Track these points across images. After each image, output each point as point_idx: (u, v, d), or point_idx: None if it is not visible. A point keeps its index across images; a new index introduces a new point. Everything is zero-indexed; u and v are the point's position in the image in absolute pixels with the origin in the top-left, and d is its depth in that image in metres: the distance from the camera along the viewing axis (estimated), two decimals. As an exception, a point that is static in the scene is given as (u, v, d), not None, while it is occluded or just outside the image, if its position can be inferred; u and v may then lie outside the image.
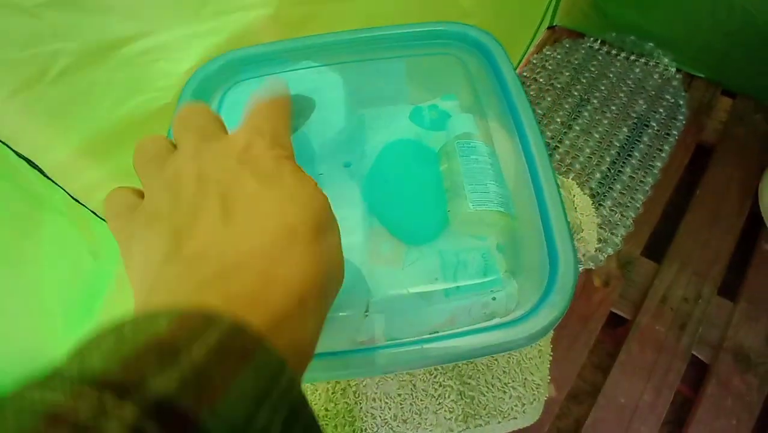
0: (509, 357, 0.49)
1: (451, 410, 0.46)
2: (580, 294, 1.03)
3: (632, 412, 0.92)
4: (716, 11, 1.20)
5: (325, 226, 0.24)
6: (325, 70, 0.48)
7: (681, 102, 1.29)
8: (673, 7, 1.27)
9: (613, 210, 1.12)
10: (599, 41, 1.43)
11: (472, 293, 0.36)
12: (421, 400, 0.47)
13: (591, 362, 1.00)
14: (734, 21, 1.19)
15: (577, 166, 1.18)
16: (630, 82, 1.33)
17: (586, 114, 1.28)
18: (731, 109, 1.31)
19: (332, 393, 0.46)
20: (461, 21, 0.50)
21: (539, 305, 0.33)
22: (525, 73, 1.38)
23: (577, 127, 1.25)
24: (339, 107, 0.45)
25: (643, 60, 1.37)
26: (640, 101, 1.29)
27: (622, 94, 1.31)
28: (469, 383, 0.47)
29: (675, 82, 1.33)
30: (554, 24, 1.48)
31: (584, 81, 1.34)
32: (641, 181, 1.16)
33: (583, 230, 0.60)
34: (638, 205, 1.13)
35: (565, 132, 1.25)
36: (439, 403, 0.47)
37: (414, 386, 0.47)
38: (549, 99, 1.31)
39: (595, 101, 1.30)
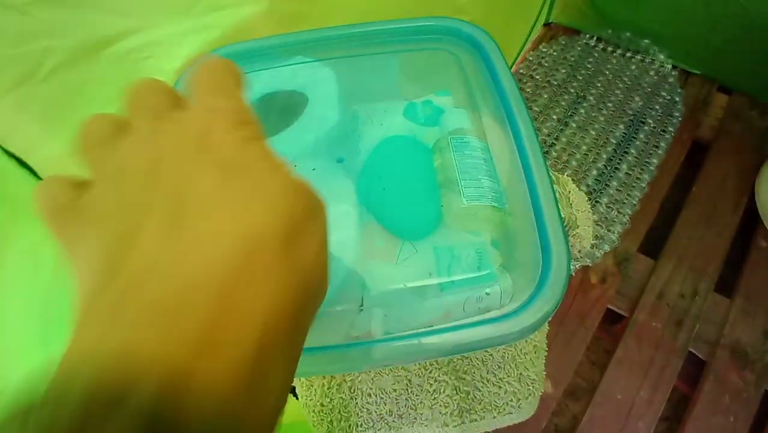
0: (504, 352, 0.49)
1: (446, 405, 0.46)
2: (577, 291, 1.04)
3: (629, 408, 0.92)
4: (712, 8, 1.20)
5: (301, 226, 0.20)
6: (318, 65, 0.48)
7: (677, 99, 1.29)
8: (668, 4, 1.27)
9: (609, 207, 1.12)
10: (595, 38, 1.43)
11: (467, 287, 0.36)
12: (417, 395, 0.47)
13: (588, 358, 1.01)
14: (730, 17, 1.19)
15: (574, 163, 1.19)
16: (626, 79, 1.33)
17: (582, 111, 1.28)
18: (727, 105, 1.32)
19: (327, 388, 0.46)
20: (456, 17, 0.50)
21: (532, 300, 0.33)
22: (521, 70, 1.38)
23: (574, 125, 1.25)
24: (332, 103, 0.45)
25: (639, 57, 1.38)
26: (636, 98, 1.30)
27: (618, 91, 1.31)
28: (464, 378, 0.47)
29: (671, 79, 1.33)
30: (550, 21, 1.48)
31: (580, 78, 1.34)
32: (637, 178, 1.17)
33: (578, 226, 0.60)
34: (635, 202, 1.13)
35: (561, 129, 1.25)
36: (435, 398, 0.47)
37: (409, 381, 0.47)
38: (545, 96, 1.31)
39: (591, 98, 1.30)
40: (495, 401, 0.48)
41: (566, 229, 0.60)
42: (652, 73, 1.35)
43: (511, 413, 0.48)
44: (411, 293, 0.37)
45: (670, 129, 1.24)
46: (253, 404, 0.16)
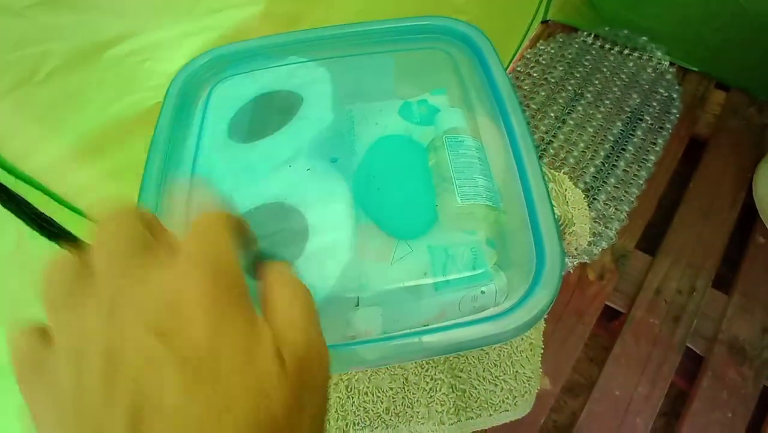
0: (500, 350, 0.49)
1: (442, 403, 0.47)
2: (574, 288, 1.04)
3: (627, 404, 0.93)
4: (709, 4, 1.20)
5: (284, 422, 0.17)
6: (313, 65, 0.48)
7: (674, 95, 1.29)
8: (665, 1, 1.27)
9: (607, 204, 1.12)
10: (592, 35, 1.43)
11: (462, 286, 0.37)
12: (413, 393, 0.47)
13: (586, 355, 1.01)
14: (727, 14, 1.19)
15: (572, 160, 1.19)
16: (623, 76, 1.34)
17: (580, 108, 1.28)
18: (725, 102, 1.32)
19: (324, 388, 0.46)
20: (453, 17, 0.50)
21: (526, 298, 0.34)
22: (519, 68, 1.38)
23: (571, 122, 1.26)
24: (327, 103, 0.45)
25: (636, 54, 1.38)
26: (634, 95, 1.30)
27: (615, 89, 1.31)
28: (460, 376, 0.48)
29: (668, 76, 1.34)
30: (548, 18, 1.48)
31: (578, 75, 1.35)
32: (635, 175, 1.17)
33: (575, 223, 0.60)
34: (632, 199, 1.13)
35: (559, 126, 1.25)
36: (431, 396, 0.47)
37: (406, 379, 0.47)
38: (543, 94, 1.31)
39: (588, 95, 1.30)
40: (491, 399, 0.48)
41: (563, 226, 0.60)
42: (649, 70, 1.35)
43: (507, 411, 0.48)
44: (406, 292, 0.37)
45: (668, 126, 1.24)
46: None
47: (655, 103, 1.29)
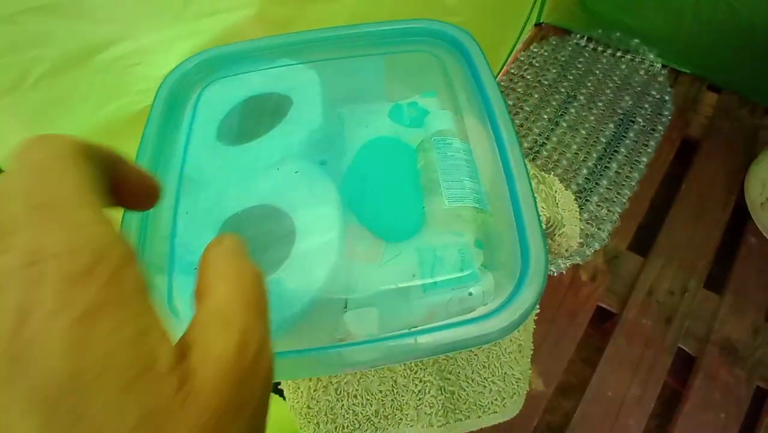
0: (489, 352, 0.49)
1: (431, 405, 0.47)
2: (567, 289, 1.04)
3: (620, 405, 0.93)
4: (700, 7, 1.21)
5: None
6: (303, 68, 0.49)
7: (667, 98, 1.30)
8: (657, 4, 1.28)
9: (599, 205, 1.13)
10: (585, 38, 1.44)
11: (449, 288, 0.37)
12: (402, 396, 0.47)
13: (579, 356, 1.01)
14: (719, 16, 1.20)
15: (564, 162, 1.19)
16: (616, 79, 1.34)
17: (572, 111, 1.28)
18: (717, 104, 1.33)
19: (314, 391, 0.46)
20: (446, 20, 0.51)
21: (510, 299, 0.34)
22: (512, 70, 1.39)
23: (564, 124, 1.26)
24: (316, 105, 0.46)
25: (629, 56, 1.39)
26: (626, 97, 1.30)
27: (608, 91, 1.32)
28: (449, 379, 0.48)
29: (661, 78, 1.34)
30: (541, 21, 1.49)
31: (571, 78, 1.35)
32: (627, 177, 1.18)
33: (565, 225, 0.60)
34: (624, 201, 1.14)
35: (552, 129, 1.26)
36: (420, 398, 0.47)
37: (395, 382, 0.47)
38: (536, 96, 1.32)
39: (581, 98, 1.31)
40: (480, 401, 0.48)
41: (553, 228, 0.61)
42: (642, 72, 1.36)
43: (496, 412, 0.48)
44: (395, 294, 0.37)
45: (660, 128, 1.25)
46: None
47: (647, 105, 1.29)
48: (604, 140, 1.23)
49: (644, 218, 1.15)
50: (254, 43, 0.50)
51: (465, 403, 0.48)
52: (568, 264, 1.06)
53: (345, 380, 0.47)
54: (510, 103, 1.32)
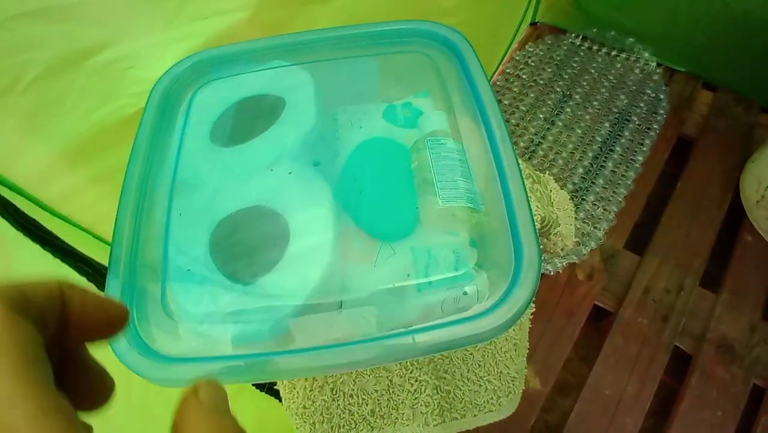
0: (484, 351, 0.49)
1: (427, 404, 0.47)
2: (564, 288, 1.05)
3: (617, 403, 0.93)
4: (695, 5, 1.21)
5: None
6: (296, 69, 0.49)
7: (662, 96, 1.30)
8: (652, 2, 1.28)
9: (595, 204, 1.13)
10: (581, 37, 1.44)
11: (444, 287, 0.37)
12: (398, 395, 0.47)
13: (576, 354, 1.02)
14: (713, 14, 1.20)
15: (560, 161, 1.20)
16: (611, 77, 1.35)
17: (568, 110, 1.29)
18: (712, 102, 1.33)
19: (309, 391, 0.46)
20: (442, 20, 0.51)
21: (505, 297, 0.34)
22: (508, 70, 1.39)
23: (560, 123, 1.26)
24: (310, 107, 0.46)
25: (624, 55, 1.39)
26: (622, 96, 1.31)
27: (603, 90, 1.32)
28: (444, 378, 0.48)
29: (656, 77, 1.35)
30: (536, 21, 1.49)
31: (566, 77, 1.36)
32: (623, 176, 1.18)
33: (560, 224, 0.61)
34: (620, 199, 1.14)
35: (548, 128, 1.26)
36: (416, 397, 0.47)
37: (391, 381, 0.47)
38: (532, 95, 1.32)
39: (577, 97, 1.31)
40: (475, 400, 0.48)
41: (548, 227, 0.61)
42: (637, 71, 1.36)
43: (492, 411, 0.48)
44: (389, 294, 0.37)
45: (655, 126, 1.25)
46: None
47: (642, 104, 1.30)
48: (600, 139, 1.24)
49: (640, 216, 1.15)
50: (247, 45, 0.50)
51: (461, 402, 0.48)
52: (564, 263, 1.06)
53: (341, 379, 0.47)
54: (506, 102, 1.32)
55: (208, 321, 0.36)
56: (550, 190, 0.62)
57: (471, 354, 0.49)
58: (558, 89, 1.33)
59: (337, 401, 0.47)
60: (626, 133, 1.24)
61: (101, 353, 0.20)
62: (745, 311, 1.03)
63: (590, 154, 1.21)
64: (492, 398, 0.48)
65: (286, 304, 0.36)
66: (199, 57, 0.48)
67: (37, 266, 0.44)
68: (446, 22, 0.51)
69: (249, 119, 0.46)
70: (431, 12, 0.91)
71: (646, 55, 1.37)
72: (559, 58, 1.41)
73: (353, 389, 0.47)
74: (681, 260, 1.08)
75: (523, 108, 1.30)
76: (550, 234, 0.61)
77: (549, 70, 1.38)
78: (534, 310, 0.58)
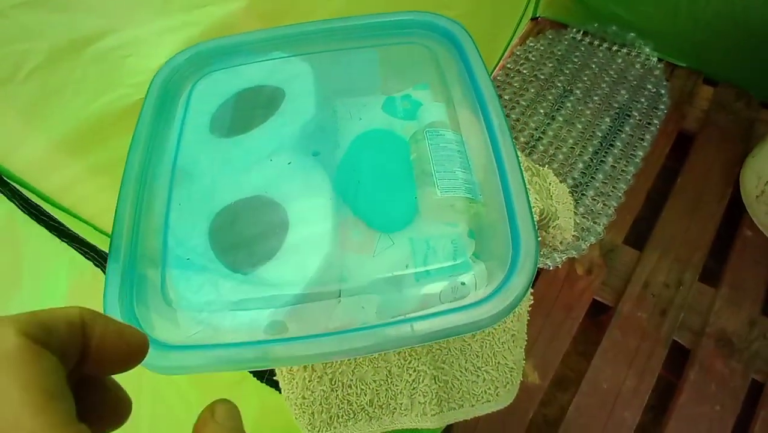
0: (482, 341, 0.49)
1: (425, 394, 0.47)
2: (563, 282, 1.05)
3: (615, 398, 0.93)
4: (696, 0, 1.21)
5: None
6: (296, 60, 0.49)
7: (662, 91, 1.30)
8: (653, -3, 1.28)
9: (595, 199, 1.13)
10: (582, 32, 1.44)
11: (442, 277, 0.37)
12: (396, 385, 0.48)
13: (575, 349, 1.02)
14: (714, 9, 1.20)
15: (560, 156, 1.20)
16: (612, 72, 1.34)
17: (569, 105, 1.29)
18: (713, 97, 1.33)
19: (308, 381, 0.47)
20: (442, 13, 0.51)
21: (502, 286, 0.34)
22: (509, 65, 1.39)
23: (561, 118, 1.26)
24: (309, 98, 0.46)
25: (625, 50, 1.39)
26: (622, 91, 1.30)
27: (604, 85, 1.32)
28: (442, 368, 0.48)
29: (657, 72, 1.34)
30: (537, 15, 1.49)
31: (567, 72, 1.35)
32: (623, 171, 1.18)
33: (559, 218, 0.61)
34: (620, 194, 1.14)
35: (548, 123, 1.26)
36: (414, 388, 0.48)
37: (389, 371, 0.48)
38: (532, 90, 1.32)
39: (577, 92, 1.31)
40: (473, 390, 0.48)
41: (547, 220, 0.61)
42: (638, 66, 1.36)
43: (490, 401, 0.49)
44: (388, 284, 0.38)
45: (656, 121, 1.25)
46: None
47: (643, 99, 1.29)
48: (600, 134, 1.24)
49: (640, 211, 1.15)
50: (247, 36, 0.50)
51: (458, 392, 0.48)
52: (563, 258, 1.06)
53: (339, 370, 0.47)
54: (506, 97, 1.32)
55: (208, 309, 0.36)
56: (549, 183, 0.62)
57: (469, 345, 0.49)
58: (558, 84, 1.33)
59: (336, 391, 0.47)
60: (627, 128, 1.24)
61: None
62: (745, 305, 1.03)
63: (590, 149, 1.21)
64: (490, 389, 0.48)
65: (285, 293, 0.37)
66: (199, 48, 0.48)
67: (45, 248, 0.45)
68: (445, 14, 0.51)
69: (248, 110, 0.46)
70: (430, 4, 0.90)
71: (647, 50, 1.37)
72: (559, 53, 1.40)
73: (352, 380, 0.47)
74: (680, 254, 1.08)
75: (524, 103, 1.30)
76: (549, 227, 0.61)
77: (550, 65, 1.38)
78: (532, 303, 0.58)
